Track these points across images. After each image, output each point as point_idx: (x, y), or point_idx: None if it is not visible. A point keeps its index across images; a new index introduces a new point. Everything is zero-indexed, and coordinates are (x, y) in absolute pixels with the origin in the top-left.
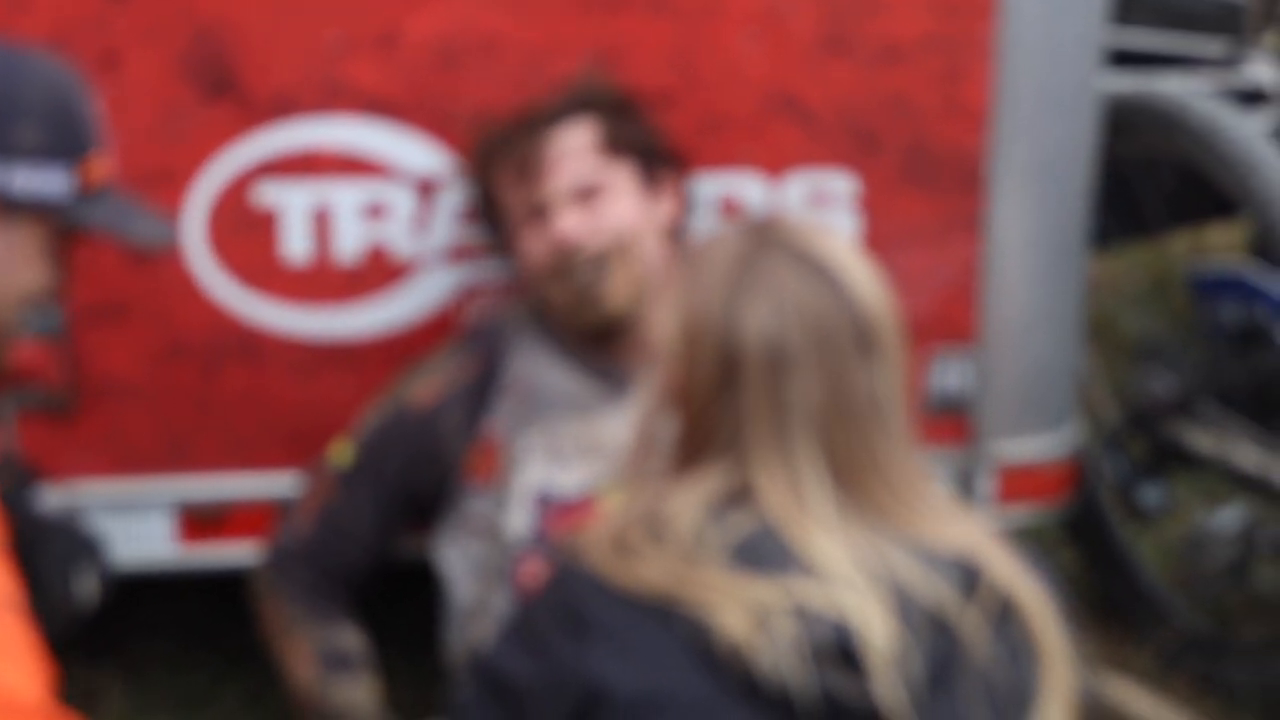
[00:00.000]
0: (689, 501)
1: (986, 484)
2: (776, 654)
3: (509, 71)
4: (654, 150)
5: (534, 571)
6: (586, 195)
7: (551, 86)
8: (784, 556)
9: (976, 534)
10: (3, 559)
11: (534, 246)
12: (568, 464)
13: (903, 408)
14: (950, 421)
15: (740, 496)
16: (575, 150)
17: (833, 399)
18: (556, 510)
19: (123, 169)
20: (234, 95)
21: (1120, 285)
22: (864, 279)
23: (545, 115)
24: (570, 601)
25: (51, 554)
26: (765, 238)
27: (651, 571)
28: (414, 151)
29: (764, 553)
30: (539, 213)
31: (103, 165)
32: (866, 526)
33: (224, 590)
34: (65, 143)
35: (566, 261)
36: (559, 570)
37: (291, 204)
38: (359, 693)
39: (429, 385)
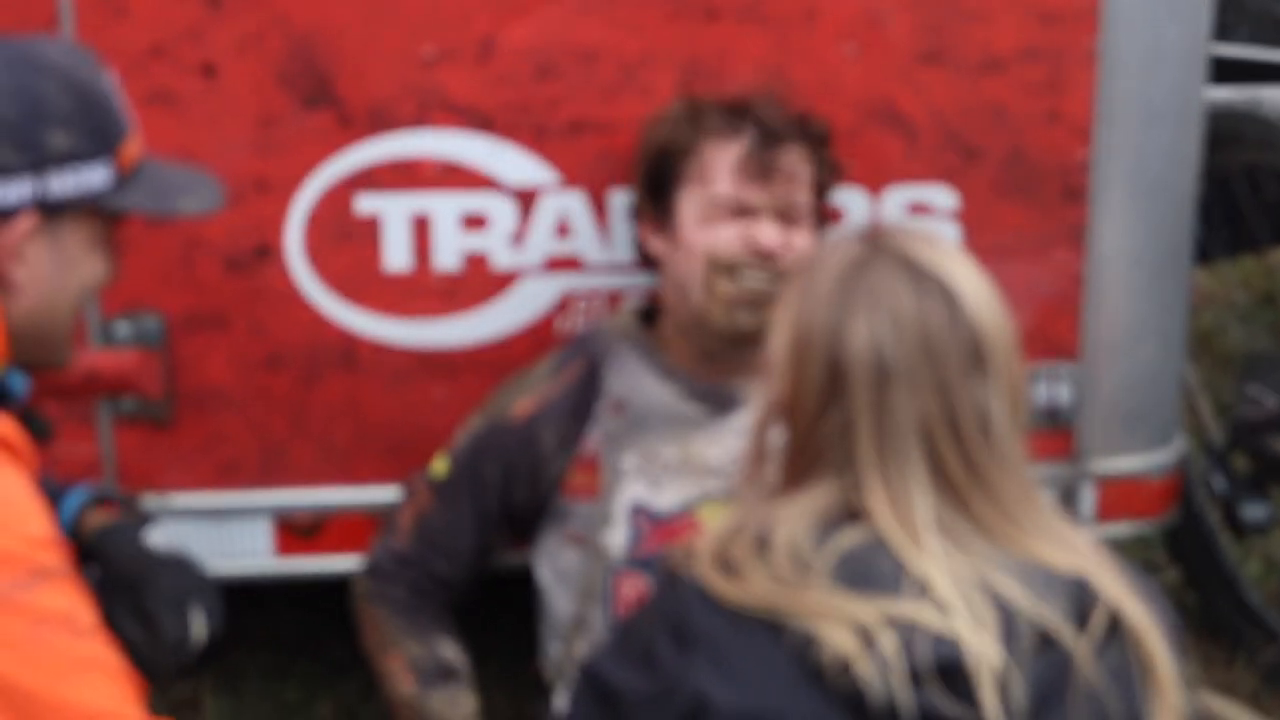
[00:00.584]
0: (795, 518)
1: (1088, 499)
2: (882, 673)
3: (605, 82)
4: (828, 192)
5: (633, 589)
6: (791, 219)
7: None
8: (890, 575)
9: (1087, 555)
10: (72, 583)
11: (724, 237)
12: (665, 484)
13: (1015, 426)
14: (1052, 436)
15: (846, 513)
16: (802, 176)
17: (940, 415)
18: (654, 529)
19: (221, 179)
20: (331, 106)
21: (1224, 299)
22: (979, 293)
23: (776, 127)
24: (676, 614)
25: (164, 590)
26: (876, 248)
27: (757, 588)
28: (512, 162)
29: (870, 571)
30: (747, 211)
31: (135, 147)
32: (973, 546)
33: (320, 603)
34: (97, 137)
35: (756, 263)
36: (665, 583)
37: (390, 214)
38: (456, 705)
39: (527, 399)
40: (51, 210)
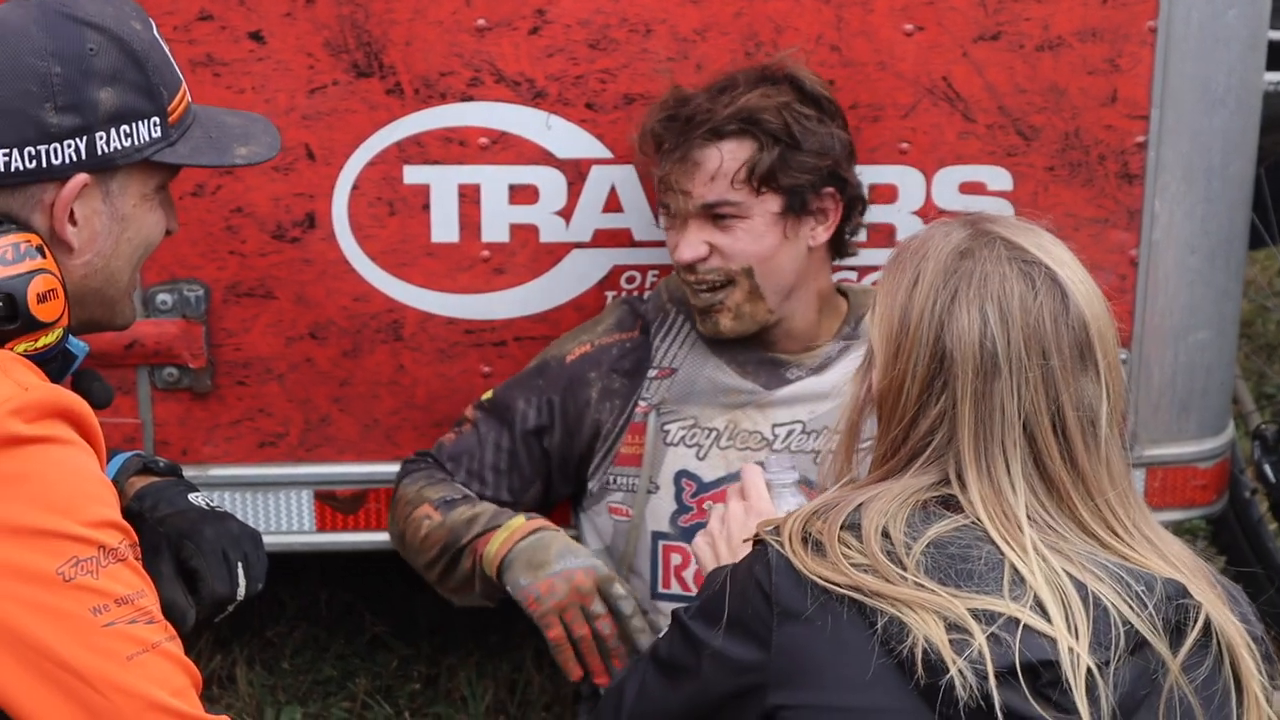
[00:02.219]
0: (889, 505)
1: (1138, 486)
2: (971, 668)
3: (659, 55)
4: (810, 182)
5: (679, 558)
6: (719, 217)
7: (728, 76)
8: (985, 568)
9: (1183, 561)
10: (135, 568)
11: (669, 243)
12: (712, 454)
13: (1115, 425)
14: None
15: (942, 503)
16: (724, 172)
17: (1046, 408)
18: (700, 499)
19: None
20: (381, 75)
21: (1261, 285)
22: (1087, 286)
23: (704, 124)
24: (765, 582)
25: (208, 542)
26: (980, 235)
27: (845, 569)
28: (562, 134)
29: (965, 563)
30: (676, 217)
31: (183, 99)
32: (1069, 544)
33: (357, 580)
34: (144, 92)
35: (685, 275)
36: (757, 554)
37: (439, 186)
38: (477, 507)
39: (581, 346)
40: (102, 170)
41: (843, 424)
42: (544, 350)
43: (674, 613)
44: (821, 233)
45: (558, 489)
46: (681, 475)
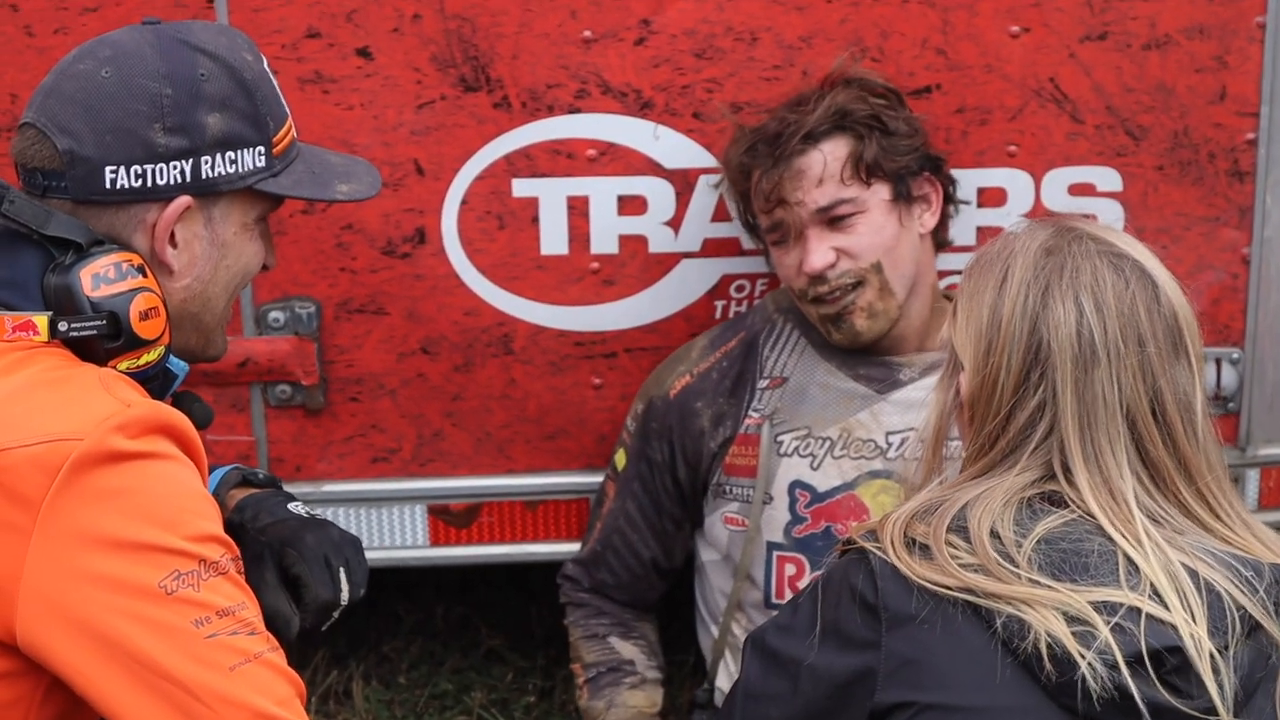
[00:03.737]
0: (992, 502)
1: (1253, 485)
2: (1100, 659)
3: (765, 63)
4: (911, 166)
5: (794, 569)
6: (837, 219)
7: (807, 86)
8: (1100, 560)
9: (1275, 544)
10: (238, 581)
11: (786, 268)
12: (826, 463)
13: (1206, 413)
14: (1218, 423)
15: (1046, 498)
16: (830, 173)
17: (1145, 397)
18: (816, 508)
19: (377, 163)
20: (488, 89)
21: None
22: (1172, 279)
23: (798, 132)
24: (868, 590)
25: (309, 548)
26: (1065, 233)
27: (954, 570)
28: (670, 145)
29: (1079, 556)
30: (790, 233)
31: (290, 132)
32: (1178, 531)
33: (472, 593)
34: (251, 122)
35: (815, 288)
36: (849, 560)
37: (547, 198)
38: (615, 704)
39: (682, 376)
40: (205, 194)
41: (929, 431)
42: (643, 390)
43: (752, 640)
44: (929, 218)
45: (692, 516)
46: (796, 486)
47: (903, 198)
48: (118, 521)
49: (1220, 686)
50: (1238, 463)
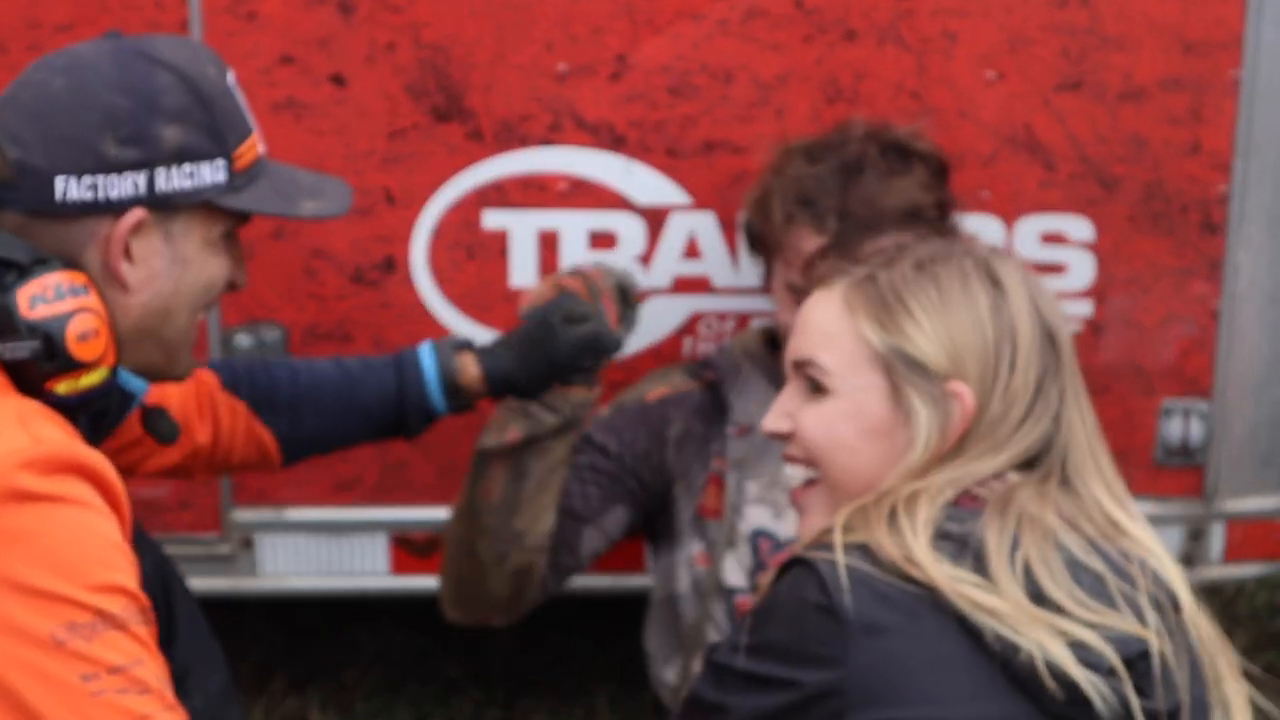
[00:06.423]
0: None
1: (1218, 539)
2: (1105, 679)
3: (740, 101)
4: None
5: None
6: None
7: (842, 148)
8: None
9: (1151, 536)
10: (137, 638)
11: (785, 319)
12: (788, 511)
13: None
14: (1183, 475)
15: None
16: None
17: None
18: (777, 556)
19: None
20: (462, 119)
21: None
22: None
23: (866, 224)
24: (832, 603)
25: None
26: (969, 252)
27: (939, 577)
28: (642, 181)
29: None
30: (799, 292)
31: (255, 147)
32: (1105, 534)
33: (432, 624)
34: (211, 135)
35: None
36: (804, 575)
37: (518, 231)
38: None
39: (660, 388)
40: (162, 208)
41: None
42: (613, 401)
43: (708, 658)
44: None
45: (636, 518)
46: (758, 534)
47: None
48: (16, 566)
49: (1171, 689)
50: (1202, 516)
